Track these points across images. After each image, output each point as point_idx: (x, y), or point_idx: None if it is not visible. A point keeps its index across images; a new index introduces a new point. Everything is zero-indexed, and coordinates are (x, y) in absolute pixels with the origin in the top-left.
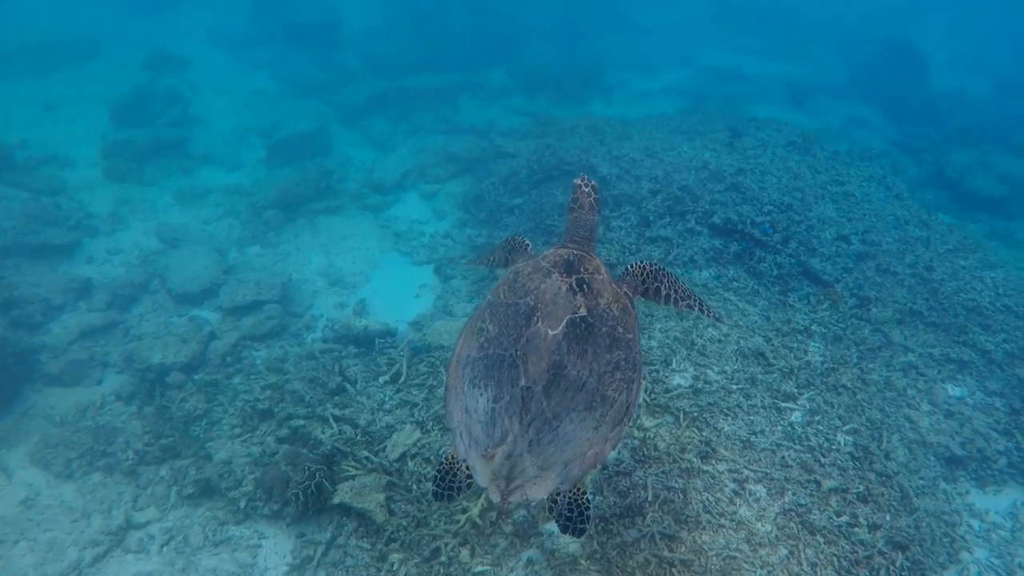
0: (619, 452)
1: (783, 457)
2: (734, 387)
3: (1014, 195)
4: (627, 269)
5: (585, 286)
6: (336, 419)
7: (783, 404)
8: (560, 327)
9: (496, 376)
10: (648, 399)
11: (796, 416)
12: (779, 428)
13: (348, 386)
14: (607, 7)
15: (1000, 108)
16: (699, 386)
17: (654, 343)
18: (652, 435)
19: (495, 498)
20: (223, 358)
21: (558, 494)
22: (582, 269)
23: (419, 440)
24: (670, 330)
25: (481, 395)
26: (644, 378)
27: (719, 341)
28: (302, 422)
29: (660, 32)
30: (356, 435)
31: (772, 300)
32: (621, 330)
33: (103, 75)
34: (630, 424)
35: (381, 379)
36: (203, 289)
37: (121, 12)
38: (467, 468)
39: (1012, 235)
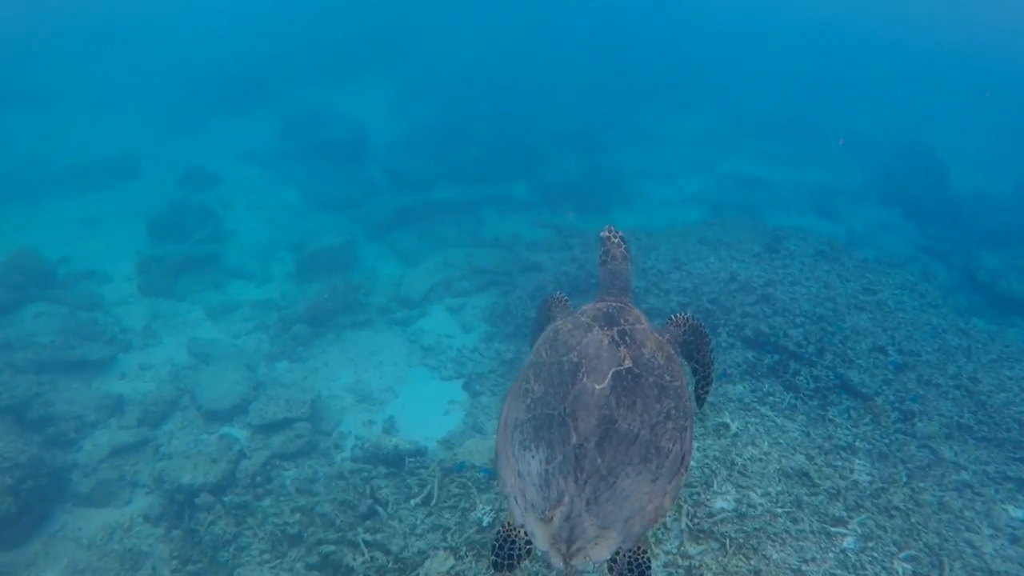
0: None
1: None
2: (779, 510)
3: None
4: (670, 319)
5: (627, 337)
6: (368, 544)
7: (833, 529)
8: (606, 381)
9: (546, 436)
10: (691, 524)
11: (848, 542)
12: (831, 555)
13: (379, 509)
14: (622, 119)
15: None
16: (743, 510)
17: (692, 463)
18: (698, 563)
19: (557, 563)
20: (253, 478)
21: (618, 553)
22: (622, 321)
23: (453, 567)
24: (708, 449)
25: (533, 457)
26: (684, 502)
27: (760, 460)
28: (332, 548)
29: (676, 142)
30: (388, 562)
31: (811, 415)
32: (668, 378)
33: (141, 192)
34: (686, 474)
35: (412, 501)
36: (233, 406)
37: (159, 131)
38: (525, 534)
39: None
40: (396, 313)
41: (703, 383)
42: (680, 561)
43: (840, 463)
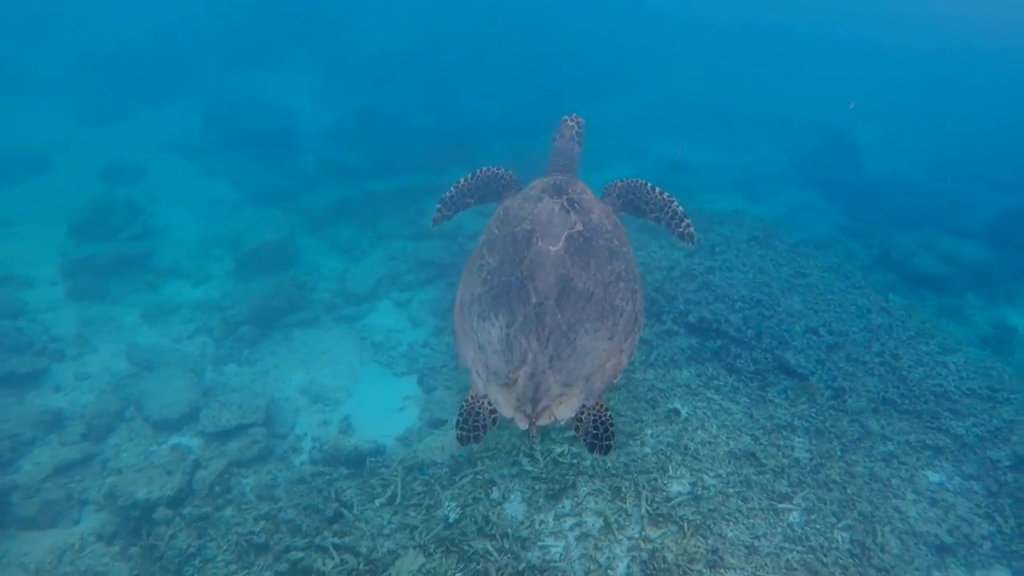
0: (629, 567)
1: (787, 560)
2: (731, 491)
3: (957, 274)
4: (604, 189)
5: (576, 204)
6: (337, 548)
7: (780, 505)
8: (560, 243)
9: (506, 302)
10: (650, 509)
11: (794, 516)
12: (779, 530)
13: (345, 511)
14: (554, 104)
15: (934, 191)
16: (698, 492)
17: (648, 450)
18: (659, 546)
19: (522, 425)
20: (211, 488)
21: (583, 411)
22: (570, 190)
23: (423, 566)
24: (661, 435)
25: (493, 325)
26: (643, 488)
27: (710, 443)
28: (301, 554)
29: (608, 126)
30: (359, 564)
31: (752, 396)
32: (616, 243)
33: (56, 188)
34: (640, 333)
35: (377, 502)
36: (183, 414)
37: (72, 122)
38: (489, 404)
39: (959, 312)
40: (343, 310)
41: (675, 221)
42: (643, 545)
43: (782, 442)
